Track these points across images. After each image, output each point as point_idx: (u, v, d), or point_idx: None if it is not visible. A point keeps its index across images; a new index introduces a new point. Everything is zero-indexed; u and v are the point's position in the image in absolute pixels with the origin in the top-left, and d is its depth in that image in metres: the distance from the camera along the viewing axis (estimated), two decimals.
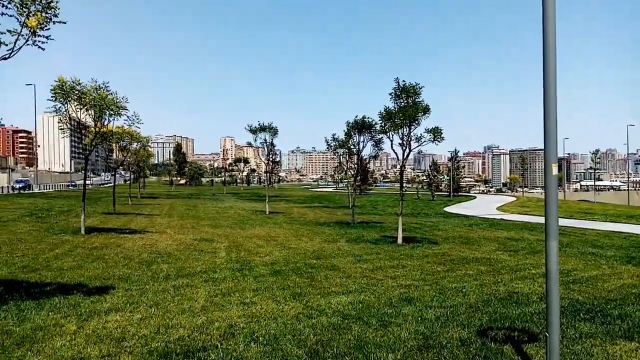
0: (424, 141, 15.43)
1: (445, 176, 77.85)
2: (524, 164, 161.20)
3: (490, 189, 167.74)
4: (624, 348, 5.30)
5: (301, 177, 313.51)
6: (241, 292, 7.83)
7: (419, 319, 6.38)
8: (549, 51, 4.07)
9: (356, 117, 21.50)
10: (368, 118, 21.07)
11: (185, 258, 11.47)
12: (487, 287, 8.77)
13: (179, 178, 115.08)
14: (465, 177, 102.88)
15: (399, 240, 15.85)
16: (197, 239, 15.40)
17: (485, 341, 5.44)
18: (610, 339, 5.61)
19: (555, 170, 4.39)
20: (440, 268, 10.94)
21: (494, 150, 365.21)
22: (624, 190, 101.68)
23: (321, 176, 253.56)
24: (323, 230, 20.41)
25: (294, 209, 36.26)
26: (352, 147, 23.02)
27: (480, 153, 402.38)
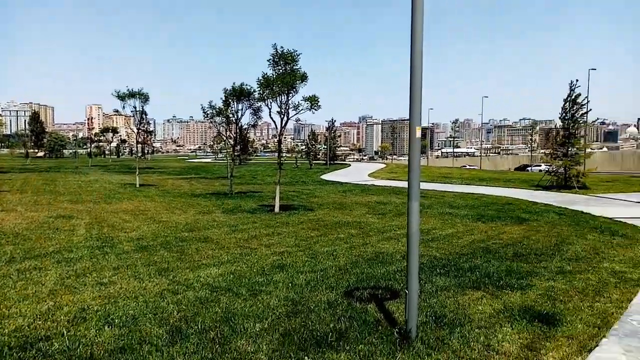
0: (302, 109, 15.43)
1: (323, 145, 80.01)
2: (394, 133, 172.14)
3: (364, 157, 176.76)
4: (472, 297, 5.82)
5: (178, 148, 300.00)
6: (99, 272, 7.15)
7: (290, 285, 6.38)
8: (417, 24, 4.11)
9: (234, 84, 20.80)
10: (247, 85, 20.50)
11: (37, 238, 10.20)
12: (356, 249, 9.11)
13: (36, 150, 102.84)
14: (341, 146, 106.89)
15: (276, 209, 15.86)
16: (52, 216, 13.82)
17: (352, 301, 5.59)
18: (461, 290, 6.13)
19: (419, 133, 4.52)
20: (314, 233, 11.14)
21: (368, 121, 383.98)
22: (477, 156, 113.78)
23: (200, 146, 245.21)
24: (198, 202, 19.69)
25: (168, 181, 34.53)
26: (230, 115, 22.30)
27: (355, 123, 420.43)
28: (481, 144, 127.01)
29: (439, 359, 4.07)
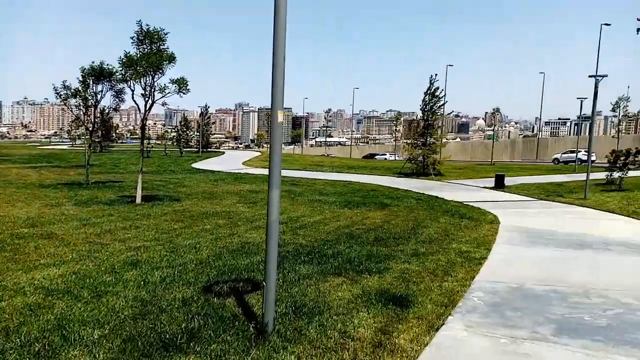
0: (169, 92, 14.43)
1: (196, 132, 77.05)
2: (269, 120, 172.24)
3: (240, 145, 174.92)
4: (333, 283, 5.84)
5: (29, 134, 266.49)
6: None
7: (142, 283, 5.81)
8: (280, 11, 3.87)
9: (92, 62, 18.76)
10: (108, 65, 18.61)
11: None
12: (222, 240, 8.73)
13: None
14: (215, 133, 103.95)
15: (138, 200, 14.70)
16: None
17: (209, 297, 5.25)
18: (323, 277, 6.13)
19: (280, 117, 4.30)
20: (177, 225, 10.48)
21: (244, 108, 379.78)
22: (348, 145, 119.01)
23: (55, 132, 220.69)
24: (47, 193, 17.51)
25: (12, 170, 30.33)
26: (89, 97, 20.09)
27: (231, 110, 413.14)
28: (352, 134, 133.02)
29: (295, 352, 3.94)
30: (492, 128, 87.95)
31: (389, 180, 26.23)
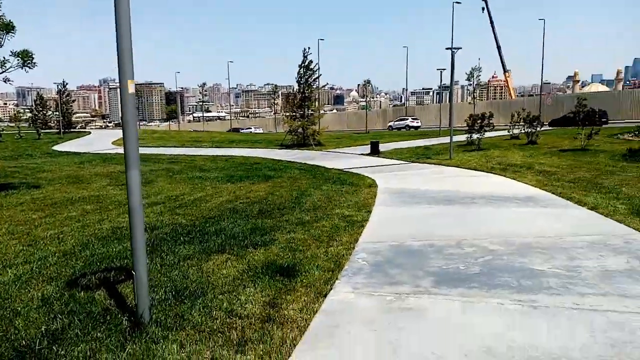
0: (11, 67, 12.55)
1: (54, 112, 69.23)
2: (140, 97, 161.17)
3: (109, 124, 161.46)
4: (216, 262, 5.54)
5: None
6: None
7: None
8: None
9: None
10: None
11: None
12: (90, 227, 7.88)
13: None
14: (77, 112, 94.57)
15: None
16: None
17: (75, 292, 4.65)
18: (206, 256, 5.79)
19: (131, 87, 3.78)
20: (37, 215, 9.25)
21: (110, 84, 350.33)
22: (228, 119, 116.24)
23: None
24: None
25: None
26: None
27: (96, 87, 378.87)
28: (230, 108, 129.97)
29: (177, 339, 3.62)
30: (365, 99, 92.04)
31: (272, 152, 26.12)
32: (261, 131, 72.31)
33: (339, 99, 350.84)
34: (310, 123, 29.18)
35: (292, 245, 6.12)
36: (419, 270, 4.98)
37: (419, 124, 54.38)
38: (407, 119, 56.28)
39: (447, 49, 20.70)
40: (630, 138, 23.31)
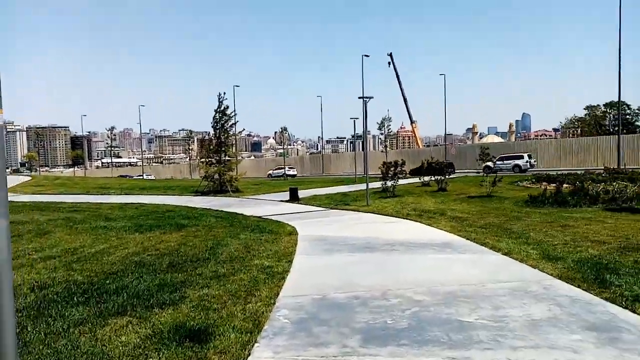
0: None
1: None
2: (41, 140, 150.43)
3: (6, 169, 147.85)
4: (115, 327, 4.79)
5: None
6: None
7: None
8: None
9: None
10: None
11: None
12: None
13: None
14: None
15: None
16: None
17: None
18: (102, 319, 5.01)
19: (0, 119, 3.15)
20: None
21: (9, 127, 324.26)
22: (139, 165, 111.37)
23: None
24: None
25: None
26: None
27: None
28: (142, 153, 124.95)
29: None
30: (282, 146, 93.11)
31: (186, 199, 24.98)
32: (153, 177, 71.18)
33: (256, 146, 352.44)
34: (227, 169, 28.49)
35: (206, 303, 5.51)
36: (345, 327, 4.61)
37: (295, 173, 61.13)
38: (285, 168, 61.95)
39: (359, 97, 21.41)
40: (529, 185, 25.23)
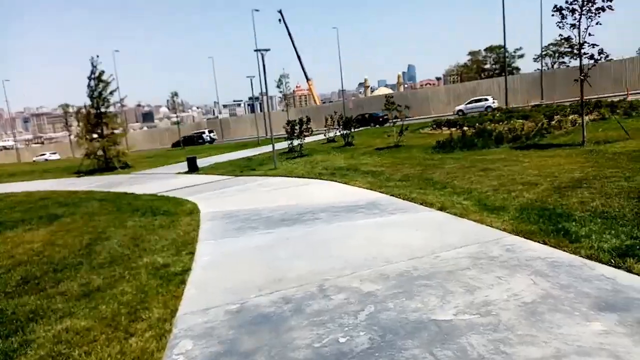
0: None
1: None
2: None
3: None
4: None
5: None
6: None
7: None
8: None
9: None
10: None
11: None
12: None
13: None
14: None
15: None
16: None
17: None
18: None
19: None
20: None
21: None
22: (15, 148, 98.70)
23: None
24: None
25: None
26: None
27: None
28: (15, 136, 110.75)
29: None
30: (176, 113, 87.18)
31: (67, 182, 21.62)
32: (58, 157, 62.61)
33: (148, 116, 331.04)
34: (112, 143, 25.11)
35: (62, 348, 3.66)
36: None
37: (215, 137, 54.50)
38: (205, 132, 55.36)
39: (255, 50, 19.39)
40: (430, 132, 25.26)
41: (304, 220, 7.68)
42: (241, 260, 5.81)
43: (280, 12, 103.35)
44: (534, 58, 68.22)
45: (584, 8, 12.27)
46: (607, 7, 12.03)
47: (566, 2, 12.58)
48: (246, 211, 9.14)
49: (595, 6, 12.11)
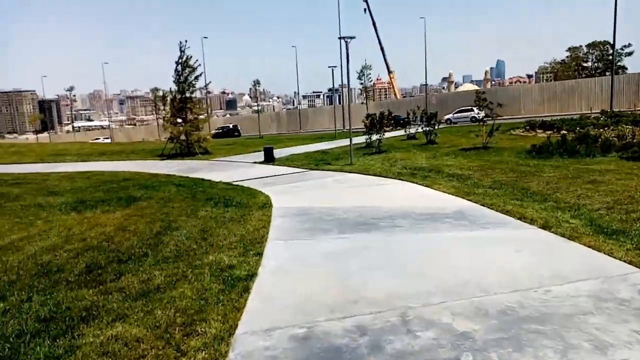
0: None
1: None
2: (8, 106, 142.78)
3: None
4: None
5: None
6: None
7: None
8: None
9: None
10: None
11: None
12: None
13: None
14: None
15: None
16: None
17: None
18: None
19: None
20: None
21: None
22: (112, 129, 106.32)
23: None
24: None
25: None
26: None
27: None
28: (110, 117, 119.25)
29: None
30: (257, 102, 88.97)
31: (150, 164, 22.39)
32: (109, 141, 66.76)
33: (231, 104, 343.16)
34: (194, 128, 25.71)
35: (108, 358, 3.27)
36: None
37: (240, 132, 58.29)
38: (229, 126, 58.92)
39: (339, 38, 18.74)
40: (522, 134, 23.35)
41: (381, 226, 6.97)
42: (311, 269, 5.23)
43: (365, 1, 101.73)
44: None
45: None
46: None
47: None
48: (320, 209, 8.58)
49: None
